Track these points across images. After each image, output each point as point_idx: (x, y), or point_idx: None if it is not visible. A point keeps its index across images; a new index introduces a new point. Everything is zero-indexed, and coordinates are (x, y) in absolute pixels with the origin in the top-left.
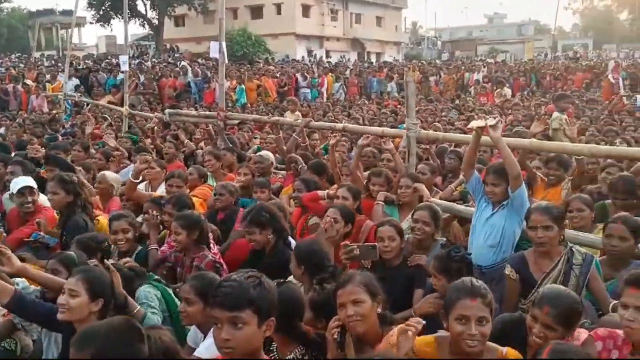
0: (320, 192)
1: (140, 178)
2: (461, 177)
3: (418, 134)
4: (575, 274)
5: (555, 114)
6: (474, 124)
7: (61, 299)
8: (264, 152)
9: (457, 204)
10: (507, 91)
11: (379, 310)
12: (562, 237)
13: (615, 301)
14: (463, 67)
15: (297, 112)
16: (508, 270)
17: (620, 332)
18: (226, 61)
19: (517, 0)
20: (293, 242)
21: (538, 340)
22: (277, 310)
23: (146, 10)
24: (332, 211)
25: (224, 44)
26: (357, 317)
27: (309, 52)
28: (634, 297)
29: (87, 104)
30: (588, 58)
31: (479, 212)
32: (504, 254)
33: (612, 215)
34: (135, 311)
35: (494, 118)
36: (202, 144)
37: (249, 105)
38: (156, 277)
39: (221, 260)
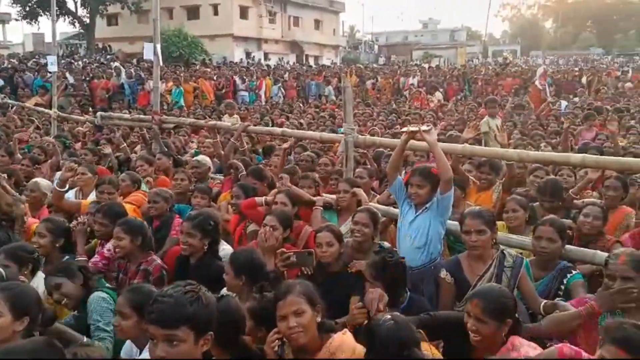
0: (258, 199)
1: (68, 186)
2: None
3: (355, 139)
4: (507, 276)
5: (486, 118)
6: (408, 128)
7: None
8: (201, 157)
9: (394, 207)
10: (439, 95)
11: (319, 319)
12: (494, 240)
13: (546, 301)
14: (399, 72)
15: (235, 116)
16: (443, 274)
17: (585, 354)
18: (161, 63)
19: (450, 6)
20: (229, 250)
21: (474, 336)
22: (216, 324)
23: (76, 7)
24: (270, 219)
25: (158, 45)
26: (299, 328)
27: (247, 54)
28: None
29: (12, 106)
30: (516, 64)
31: (403, 216)
32: (431, 255)
33: (540, 218)
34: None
35: (427, 125)
36: (137, 147)
37: (185, 108)
38: (107, 284)
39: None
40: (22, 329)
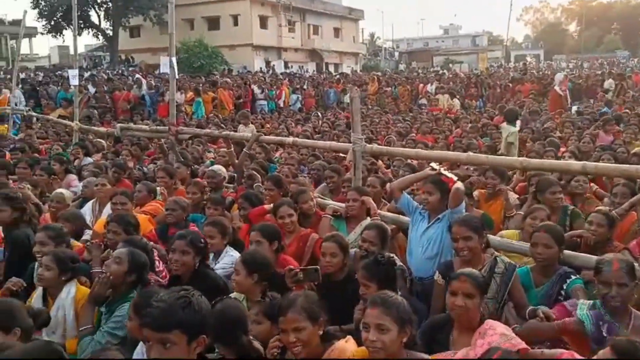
0: (266, 207)
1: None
2: None
3: (364, 148)
4: (496, 282)
5: (512, 129)
6: (434, 165)
7: None
8: (216, 167)
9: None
10: (456, 102)
11: (321, 332)
12: (483, 245)
13: (532, 307)
14: (417, 79)
15: (251, 125)
16: (436, 276)
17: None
18: (177, 76)
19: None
20: (237, 255)
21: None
22: (216, 324)
23: (100, 20)
24: (254, 234)
25: (174, 59)
26: (299, 343)
27: (267, 63)
28: None
29: (37, 118)
30: (539, 68)
31: (415, 226)
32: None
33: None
34: None
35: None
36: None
37: (204, 117)
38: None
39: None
40: (17, 340)
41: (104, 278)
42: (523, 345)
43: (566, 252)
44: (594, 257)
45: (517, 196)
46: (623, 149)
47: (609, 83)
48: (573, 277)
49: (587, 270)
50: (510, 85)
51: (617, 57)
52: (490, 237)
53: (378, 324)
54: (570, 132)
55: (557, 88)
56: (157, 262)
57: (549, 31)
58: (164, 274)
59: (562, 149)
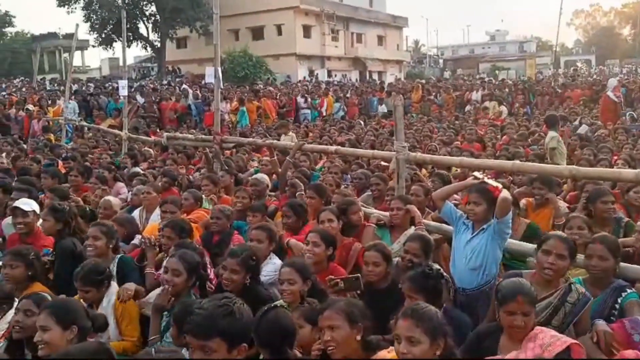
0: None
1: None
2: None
3: (407, 157)
4: (565, 311)
5: (553, 134)
6: (477, 174)
7: (36, 337)
8: (259, 175)
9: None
10: (504, 109)
11: (359, 337)
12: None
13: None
14: (464, 87)
15: (291, 134)
16: None
17: None
18: (222, 86)
19: (520, 17)
20: (280, 263)
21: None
22: (265, 333)
23: (148, 32)
24: (312, 235)
25: (219, 69)
26: (333, 342)
27: (311, 72)
28: None
29: (88, 128)
30: (590, 74)
31: (458, 236)
32: (487, 277)
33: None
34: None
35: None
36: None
37: (248, 126)
38: None
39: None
40: (72, 338)
41: (164, 291)
42: (574, 341)
43: None
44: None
45: (568, 205)
46: None
47: None
48: (628, 290)
49: None
50: (560, 91)
51: None
52: (511, 241)
53: (408, 336)
54: (624, 139)
55: (610, 94)
56: (208, 268)
57: (601, 35)
58: (214, 281)
59: (615, 157)
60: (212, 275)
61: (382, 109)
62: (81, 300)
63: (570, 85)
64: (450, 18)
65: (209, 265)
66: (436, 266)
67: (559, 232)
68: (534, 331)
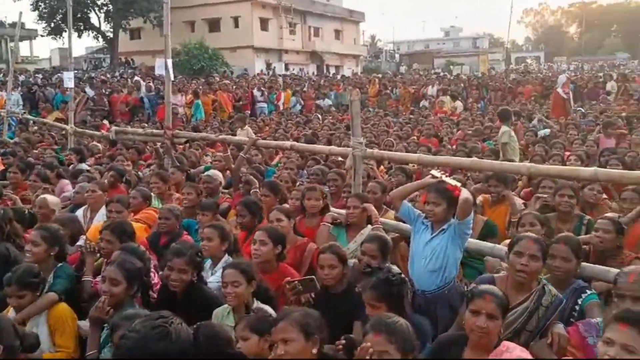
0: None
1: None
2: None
3: (364, 153)
4: (539, 315)
5: (505, 129)
6: (435, 173)
7: None
8: (212, 172)
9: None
10: (459, 104)
11: (314, 351)
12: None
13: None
14: (420, 81)
15: (247, 127)
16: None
17: None
18: (172, 78)
19: (473, 14)
20: None
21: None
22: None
23: (100, 22)
24: (259, 233)
25: (169, 61)
26: (287, 356)
27: (268, 65)
28: (623, 334)
29: (33, 122)
30: (540, 70)
31: (417, 236)
32: (446, 278)
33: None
34: None
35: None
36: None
37: (202, 120)
38: None
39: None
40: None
41: (99, 303)
42: None
43: None
44: (602, 268)
45: (523, 201)
46: (633, 153)
47: (611, 85)
48: (588, 292)
49: (597, 281)
50: (512, 87)
51: (617, 60)
52: (471, 240)
53: (381, 351)
54: (575, 134)
55: (559, 90)
56: (152, 275)
57: (550, 33)
58: (157, 287)
59: (567, 153)
60: (156, 280)
61: (326, 102)
62: (13, 310)
63: (522, 81)
64: (406, 14)
65: (153, 270)
66: (396, 269)
67: (530, 233)
68: (501, 347)
